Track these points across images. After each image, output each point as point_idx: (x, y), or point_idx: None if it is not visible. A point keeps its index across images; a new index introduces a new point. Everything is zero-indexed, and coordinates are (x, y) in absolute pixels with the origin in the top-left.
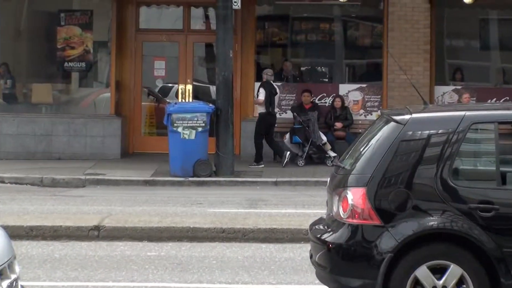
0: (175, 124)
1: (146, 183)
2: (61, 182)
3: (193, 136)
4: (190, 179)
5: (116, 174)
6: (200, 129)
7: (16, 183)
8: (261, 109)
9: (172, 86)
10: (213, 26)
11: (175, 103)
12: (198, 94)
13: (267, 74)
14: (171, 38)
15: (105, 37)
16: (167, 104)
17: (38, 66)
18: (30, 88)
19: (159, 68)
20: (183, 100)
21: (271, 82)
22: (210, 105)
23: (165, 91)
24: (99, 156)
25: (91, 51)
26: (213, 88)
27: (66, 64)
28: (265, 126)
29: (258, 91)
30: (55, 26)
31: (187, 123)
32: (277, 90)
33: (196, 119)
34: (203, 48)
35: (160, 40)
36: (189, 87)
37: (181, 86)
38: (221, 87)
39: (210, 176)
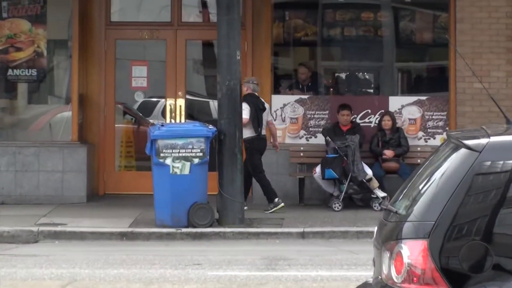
0: (161, 154)
1: (123, 236)
2: (5, 235)
3: (187, 171)
4: (184, 230)
5: (81, 224)
6: (196, 160)
7: None
8: (247, 133)
9: (157, 101)
10: (213, 18)
11: (162, 125)
12: (194, 112)
13: (252, 83)
14: (156, 34)
15: (63, 34)
16: (150, 127)
17: None
18: None
19: (139, 76)
20: (173, 121)
21: (257, 94)
22: (210, 127)
23: (147, 109)
24: (57, 199)
25: (45, 53)
26: (214, 104)
27: (9, 72)
28: (259, 154)
29: (240, 107)
30: None
31: (179, 153)
32: (266, 105)
33: (191, 146)
34: (199, 48)
35: (140, 37)
36: (181, 102)
37: (169, 101)
38: (224, 102)
39: (211, 225)
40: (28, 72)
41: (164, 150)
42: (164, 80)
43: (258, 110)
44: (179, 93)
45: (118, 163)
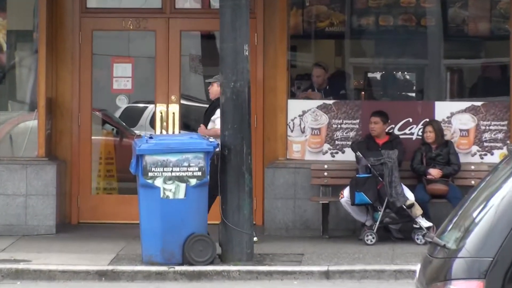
0: (150, 174)
1: (102, 276)
2: None
3: (181, 194)
4: (178, 268)
5: (50, 261)
6: (193, 181)
7: None
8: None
9: (145, 108)
10: (215, 3)
11: (150, 137)
12: (190, 121)
13: None
14: (143, 24)
15: (28, 23)
16: (136, 139)
17: None
18: None
19: (122, 76)
20: (164, 132)
21: None
22: (211, 139)
23: (132, 116)
24: (19, 229)
25: (4, 47)
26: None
27: None
28: None
29: (213, 113)
30: None
31: (172, 172)
32: None
33: (186, 164)
34: (197, 41)
35: (124, 27)
36: (174, 108)
37: (160, 108)
38: (229, 109)
39: (212, 263)
40: None
41: (153, 169)
42: (154, 81)
43: None
44: (172, 97)
45: (95, 185)
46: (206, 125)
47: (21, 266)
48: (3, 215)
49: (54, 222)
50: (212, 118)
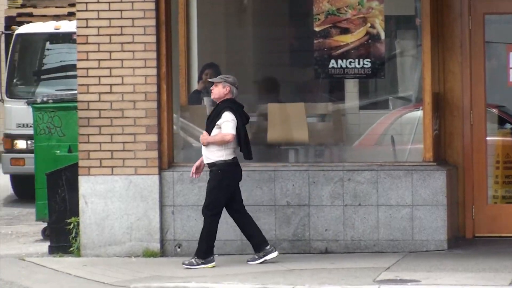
0: None
1: None
2: None
3: None
4: None
5: (441, 282)
6: None
7: None
8: (220, 154)
9: None
10: None
11: None
12: None
13: (233, 83)
14: None
15: (408, 7)
16: None
17: (289, 67)
18: (262, 111)
19: None
20: None
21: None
22: None
23: None
24: (405, 245)
25: (382, 36)
26: None
27: (332, 63)
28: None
29: (218, 118)
30: None
31: None
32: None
33: None
34: None
35: None
36: None
37: None
38: None
39: None
40: (359, 64)
41: None
42: None
43: (243, 126)
44: None
45: (492, 193)
46: (209, 132)
47: (408, 286)
48: (386, 228)
49: (445, 237)
50: (218, 122)
